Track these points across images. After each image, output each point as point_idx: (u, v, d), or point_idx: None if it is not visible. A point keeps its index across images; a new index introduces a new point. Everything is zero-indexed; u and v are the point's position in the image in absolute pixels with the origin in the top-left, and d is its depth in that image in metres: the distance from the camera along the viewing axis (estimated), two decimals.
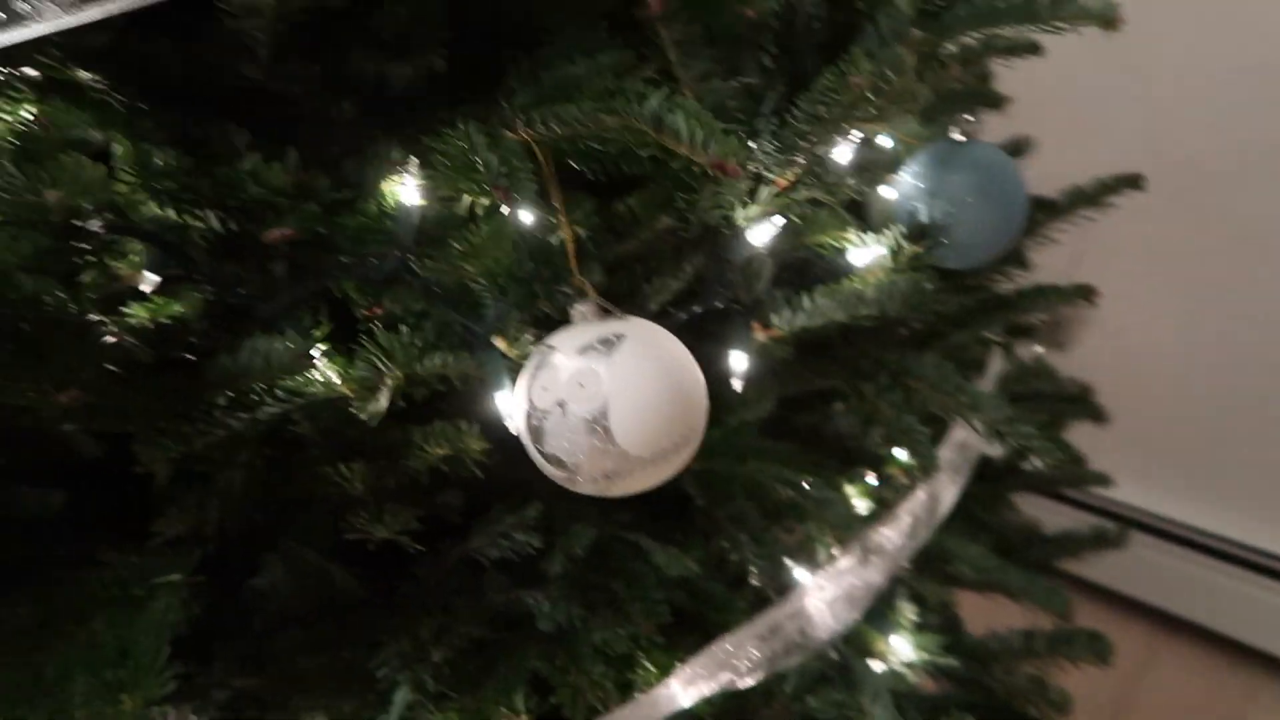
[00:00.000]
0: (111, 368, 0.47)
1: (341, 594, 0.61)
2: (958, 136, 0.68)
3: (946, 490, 0.83)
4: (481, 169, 0.44)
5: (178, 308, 0.54)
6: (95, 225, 0.51)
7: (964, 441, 0.87)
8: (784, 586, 0.65)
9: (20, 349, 0.44)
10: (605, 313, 0.54)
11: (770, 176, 0.57)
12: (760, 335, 0.68)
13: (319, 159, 0.55)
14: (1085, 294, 0.89)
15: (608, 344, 0.51)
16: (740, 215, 0.59)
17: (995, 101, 1.15)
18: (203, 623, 0.59)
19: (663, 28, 0.53)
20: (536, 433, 0.52)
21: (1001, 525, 0.94)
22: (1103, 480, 1.06)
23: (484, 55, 0.60)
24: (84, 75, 0.48)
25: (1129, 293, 1.64)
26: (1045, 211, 0.97)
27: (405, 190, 0.52)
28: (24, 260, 0.40)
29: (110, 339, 0.49)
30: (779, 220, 0.62)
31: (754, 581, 0.64)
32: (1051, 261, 1.01)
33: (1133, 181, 0.95)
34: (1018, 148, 1.09)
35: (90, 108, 0.49)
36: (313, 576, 0.61)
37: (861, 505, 0.84)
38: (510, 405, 0.56)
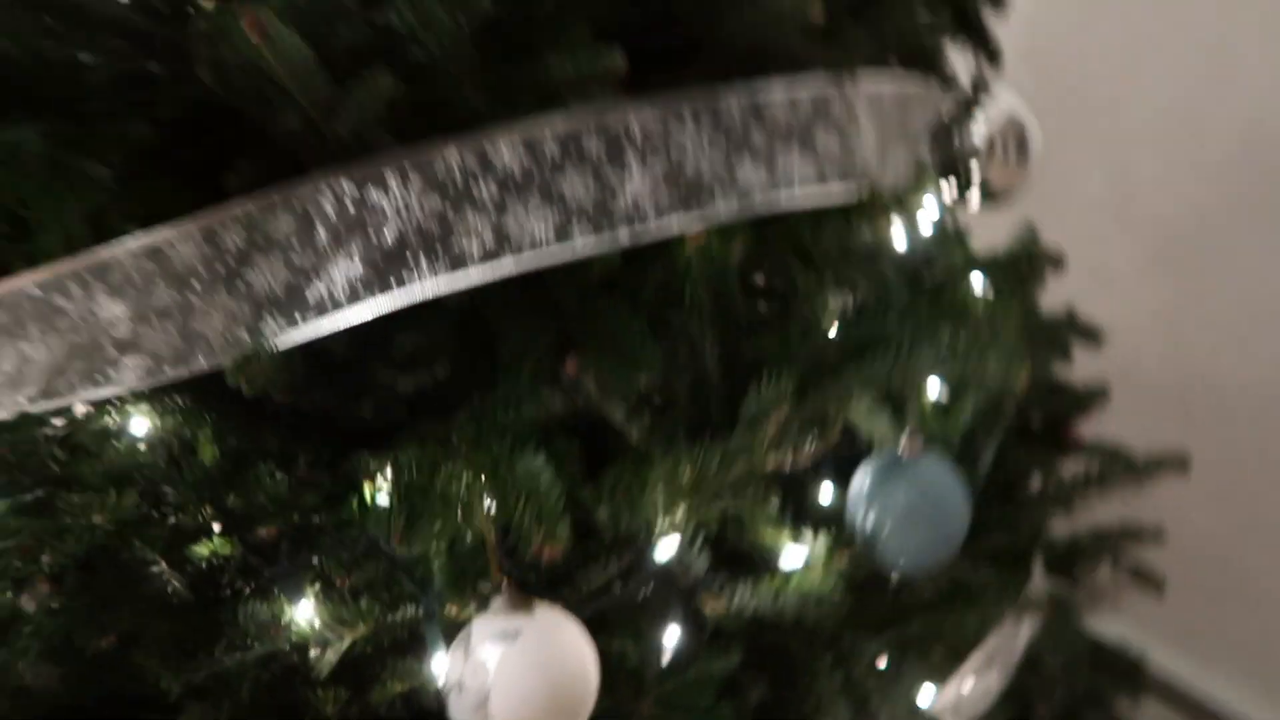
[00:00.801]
0: (152, 608, 0.66)
1: None
2: (901, 450, 0.74)
3: None
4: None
5: (229, 548, 0.74)
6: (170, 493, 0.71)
7: (959, 697, 0.89)
8: None
9: (90, 596, 0.64)
10: (517, 605, 0.66)
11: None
12: (708, 608, 0.77)
13: (333, 453, 0.72)
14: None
15: (505, 637, 0.64)
16: (656, 526, 0.69)
17: (1091, 335, 1.16)
18: None
19: (583, 379, 0.66)
20: (446, 701, 0.65)
21: None
22: None
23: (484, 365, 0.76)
24: (177, 400, 0.68)
25: None
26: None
27: (381, 491, 0.68)
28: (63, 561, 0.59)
29: (164, 581, 0.69)
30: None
31: None
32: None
33: (1180, 464, 0.94)
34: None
35: (184, 418, 0.69)
36: None
37: None
38: (438, 670, 0.69)
